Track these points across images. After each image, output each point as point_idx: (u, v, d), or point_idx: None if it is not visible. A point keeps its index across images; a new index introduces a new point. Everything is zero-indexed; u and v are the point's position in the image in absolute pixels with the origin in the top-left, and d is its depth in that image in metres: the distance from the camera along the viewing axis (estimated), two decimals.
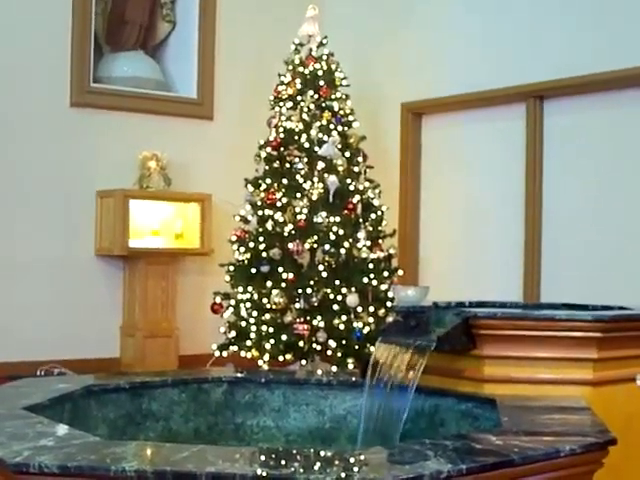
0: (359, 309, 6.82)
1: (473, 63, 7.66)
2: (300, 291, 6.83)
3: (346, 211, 7.01)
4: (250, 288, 6.98)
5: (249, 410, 3.55)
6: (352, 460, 2.24)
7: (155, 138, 7.88)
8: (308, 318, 6.79)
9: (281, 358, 6.80)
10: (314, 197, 6.98)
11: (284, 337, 6.75)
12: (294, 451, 2.52)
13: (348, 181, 7.08)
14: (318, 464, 2.21)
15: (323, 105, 7.27)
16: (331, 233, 6.85)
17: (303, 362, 6.84)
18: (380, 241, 7.18)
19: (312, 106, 7.25)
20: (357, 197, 7.07)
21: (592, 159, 6.98)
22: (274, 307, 6.85)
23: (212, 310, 7.14)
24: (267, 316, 6.88)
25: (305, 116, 7.23)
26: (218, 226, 7.77)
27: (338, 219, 6.92)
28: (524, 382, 3.08)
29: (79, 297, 7.59)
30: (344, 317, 6.77)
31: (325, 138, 7.09)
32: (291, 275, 6.85)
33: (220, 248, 7.58)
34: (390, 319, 3.65)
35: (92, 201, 7.65)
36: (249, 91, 8.30)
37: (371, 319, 6.85)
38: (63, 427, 2.52)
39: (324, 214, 6.92)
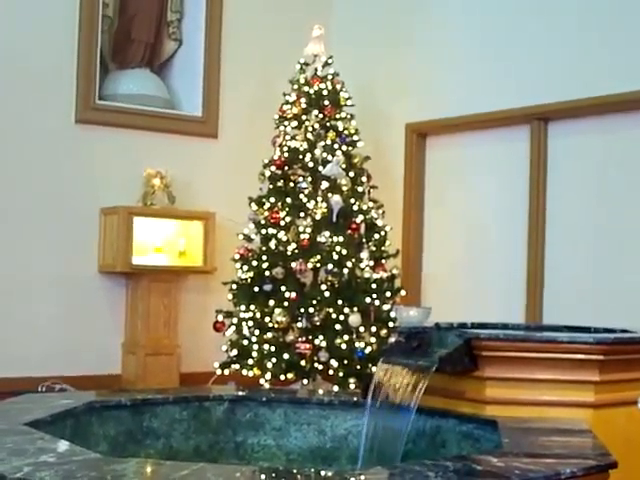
0: (361, 329, 6.83)
1: (478, 85, 7.67)
2: (302, 310, 6.83)
3: (349, 231, 7.01)
4: (252, 307, 6.98)
5: (250, 429, 3.54)
6: None
7: (159, 156, 7.90)
8: (310, 337, 6.79)
9: (283, 377, 6.79)
10: (318, 216, 6.98)
11: (286, 356, 6.75)
12: (294, 470, 2.51)
13: (352, 201, 7.09)
14: None
15: (328, 125, 7.29)
16: (334, 253, 6.85)
17: (305, 381, 6.83)
18: (383, 261, 7.18)
19: (317, 125, 7.27)
20: (361, 217, 7.08)
21: (596, 181, 6.99)
22: (276, 326, 6.86)
23: (214, 328, 7.15)
24: (269, 335, 6.87)
25: (309, 135, 7.24)
26: (221, 244, 7.77)
27: (341, 239, 6.92)
28: (525, 404, 3.07)
29: (81, 313, 7.59)
30: (346, 337, 6.77)
31: (329, 158, 7.11)
32: (294, 294, 6.85)
33: (223, 266, 7.58)
34: (392, 339, 3.65)
35: (96, 218, 7.67)
36: (254, 110, 8.32)
37: (373, 339, 6.85)
38: (64, 443, 2.51)
39: (327, 234, 6.92)
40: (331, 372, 6.78)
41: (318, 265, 6.94)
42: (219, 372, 7.07)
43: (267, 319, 6.89)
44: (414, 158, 8.24)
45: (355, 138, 7.35)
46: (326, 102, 7.30)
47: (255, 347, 6.86)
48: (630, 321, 4.04)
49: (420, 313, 3.81)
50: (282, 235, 7.01)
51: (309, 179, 7.15)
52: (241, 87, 8.42)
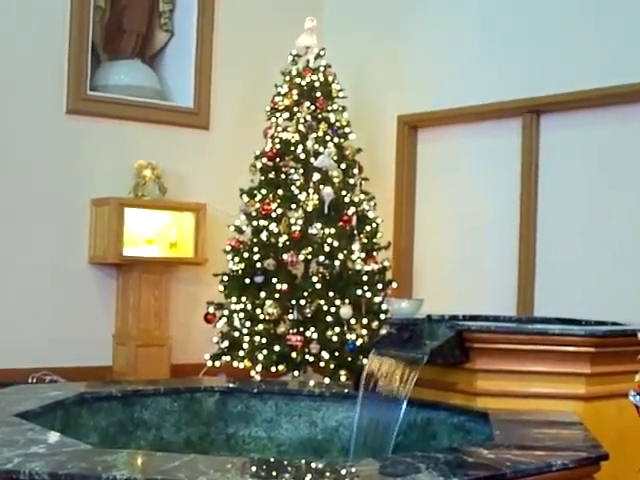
0: (352, 321, 6.82)
1: (470, 77, 7.67)
2: (294, 302, 6.82)
3: (341, 223, 7.01)
4: (244, 298, 6.97)
5: (241, 420, 3.55)
6: (343, 472, 2.23)
7: (151, 147, 7.88)
8: (301, 329, 6.79)
9: (274, 369, 6.79)
10: (309, 208, 6.98)
11: (277, 348, 6.74)
12: (285, 462, 2.52)
13: (343, 193, 7.09)
14: (309, 475, 2.20)
15: (319, 116, 7.28)
16: (326, 245, 6.85)
17: (296, 373, 6.83)
18: (374, 253, 7.18)
19: (308, 117, 7.26)
20: (352, 209, 7.07)
21: (587, 174, 6.99)
22: (267, 318, 6.85)
23: (205, 320, 7.14)
24: (260, 327, 6.87)
25: (301, 127, 7.23)
26: (212, 236, 7.75)
27: (333, 231, 6.92)
28: (517, 396, 3.08)
29: (72, 305, 7.57)
30: (337, 329, 6.77)
31: (321, 149, 7.10)
32: (285, 286, 6.84)
33: (214, 258, 7.57)
34: (384, 331, 3.65)
35: (87, 209, 7.64)
36: (246, 101, 8.30)
37: (364, 331, 6.85)
38: (54, 434, 2.51)
39: (319, 225, 6.92)
40: (322, 364, 6.79)
41: (309, 257, 6.94)
42: (210, 364, 7.06)
43: (258, 311, 6.89)
44: (406, 150, 8.23)
45: (347, 130, 7.34)
46: (318, 94, 7.29)
47: (246, 339, 6.86)
48: (622, 314, 4.05)
49: (412, 305, 3.82)
50: (273, 227, 7.01)
51: (301, 171, 7.14)
52: (233, 78, 8.40)
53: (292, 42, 7.50)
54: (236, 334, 6.94)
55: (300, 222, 6.94)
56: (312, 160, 7.09)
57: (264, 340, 6.80)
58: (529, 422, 2.80)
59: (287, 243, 6.93)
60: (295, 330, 6.80)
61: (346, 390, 3.59)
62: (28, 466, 2.07)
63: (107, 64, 8.16)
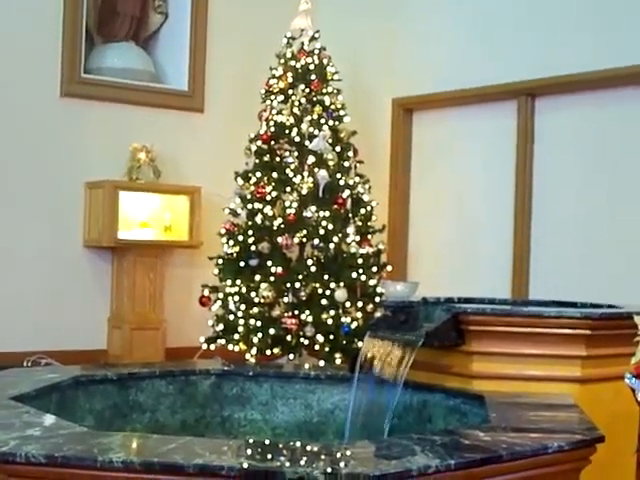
0: (347, 304, 6.81)
1: (465, 60, 7.65)
2: (289, 285, 6.81)
3: (336, 206, 6.99)
4: (238, 281, 6.96)
5: (236, 403, 3.55)
6: (339, 454, 2.24)
7: (145, 130, 7.86)
8: (296, 312, 6.78)
9: (268, 352, 6.79)
10: (304, 191, 6.96)
11: (272, 331, 6.74)
12: (281, 444, 2.52)
13: (338, 176, 7.07)
14: (305, 458, 2.21)
15: (314, 99, 7.25)
16: (320, 228, 6.84)
17: (291, 356, 6.83)
18: (369, 236, 7.16)
19: (303, 100, 7.23)
20: (347, 192, 7.05)
21: (583, 157, 6.99)
22: (262, 301, 6.84)
23: (200, 303, 7.13)
24: (255, 310, 6.86)
25: (296, 110, 7.20)
26: (207, 219, 7.74)
27: (328, 214, 6.90)
28: (512, 379, 3.08)
29: (67, 288, 7.57)
30: (332, 312, 6.76)
31: (316, 132, 7.07)
32: (280, 269, 6.83)
33: (209, 241, 7.56)
34: (379, 314, 3.66)
35: (81, 192, 7.63)
36: (240, 84, 8.28)
37: (359, 314, 6.83)
38: (50, 417, 2.51)
39: (314, 208, 6.90)
40: (317, 347, 6.78)
41: (304, 240, 6.92)
42: (205, 347, 7.05)
43: (253, 294, 6.87)
44: (401, 133, 8.22)
45: (342, 113, 7.30)
46: (313, 76, 7.26)
47: (241, 322, 6.85)
48: (617, 297, 4.05)
49: (407, 288, 3.82)
50: (268, 210, 6.99)
51: (295, 154, 7.11)
52: (228, 61, 8.38)
53: (287, 24, 7.46)
54: (231, 317, 6.93)
55: (295, 205, 6.92)
56: (307, 143, 7.07)
57: (259, 323, 6.79)
58: (525, 404, 2.80)
59: (282, 226, 6.91)
60: (290, 313, 6.79)
61: (341, 373, 3.60)
62: (24, 449, 2.07)
63: (101, 47, 8.13)
